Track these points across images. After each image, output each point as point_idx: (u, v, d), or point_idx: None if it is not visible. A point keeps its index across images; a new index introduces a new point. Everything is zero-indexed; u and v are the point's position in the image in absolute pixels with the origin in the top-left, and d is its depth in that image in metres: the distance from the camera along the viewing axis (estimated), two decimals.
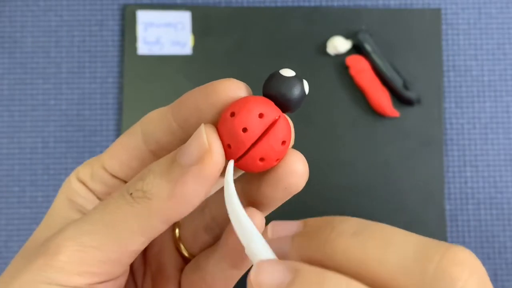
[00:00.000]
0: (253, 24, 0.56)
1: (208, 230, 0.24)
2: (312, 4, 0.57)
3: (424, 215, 0.54)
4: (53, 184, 0.55)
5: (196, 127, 0.20)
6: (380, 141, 0.55)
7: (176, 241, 0.24)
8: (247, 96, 0.20)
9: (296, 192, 0.21)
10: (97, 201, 0.22)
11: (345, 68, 0.56)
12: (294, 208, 0.54)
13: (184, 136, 0.21)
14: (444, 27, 0.57)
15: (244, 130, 0.19)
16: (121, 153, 0.22)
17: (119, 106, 0.56)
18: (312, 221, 0.19)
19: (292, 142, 0.22)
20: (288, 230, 0.19)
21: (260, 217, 0.21)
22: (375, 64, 0.55)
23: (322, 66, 0.56)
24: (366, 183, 0.54)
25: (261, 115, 0.19)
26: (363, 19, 0.57)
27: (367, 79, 0.55)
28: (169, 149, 0.21)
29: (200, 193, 0.19)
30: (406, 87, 0.55)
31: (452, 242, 0.54)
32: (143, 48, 0.56)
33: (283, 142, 0.20)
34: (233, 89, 0.20)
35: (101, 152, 0.55)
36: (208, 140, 0.19)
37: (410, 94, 0.55)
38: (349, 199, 0.54)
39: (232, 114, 0.19)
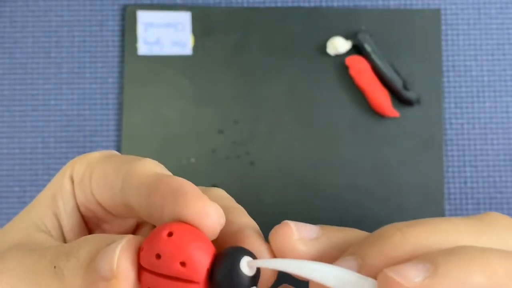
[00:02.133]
0: (253, 24, 0.56)
1: None
2: (312, 4, 0.57)
3: (424, 215, 0.54)
4: None
5: (158, 219, 0.19)
6: (380, 141, 0.55)
7: None
8: (202, 237, 0.18)
9: None
10: (72, 213, 0.22)
11: (345, 68, 0.56)
12: (295, 208, 0.54)
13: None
14: (443, 27, 0.57)
15: (158, 256, 0.17)
16: (102, 183, 0.21)
17: (119, 106, 0.56)
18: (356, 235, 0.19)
19: None
20: (311, 233, 0.19)
21: None
22: (375, 65, 0.55)
23: (322, 66, 0.56)
24: (366, 183, 0.54)
25: (183, 264, 0.17)
26: (363, 20, 0.57)
27: (367, 80, 0.55)
28: (140, 216, 0.20)
29: None
30: (405, 87, 0.55)
31: None
32: (143, 48, 0.56)
33: None
34: (204, 213, 0.18)
35: None
36: (118, 267, 0.17)
37: (410, 94, 0.55)
38: (349, 199, 0.54)
39: (170, 234, 0.17)
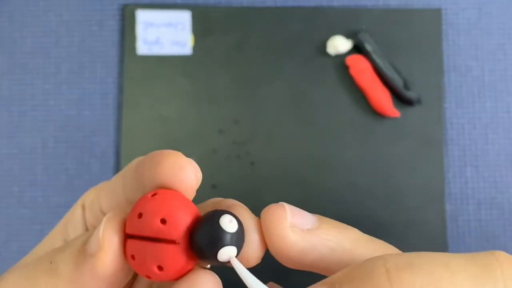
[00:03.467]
0: (253, 24, 0.56)
1: None
2: (312, 4, 0.57)
3: (424, 215, 0.54)
4: (52, 184, 0.55)
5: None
6: (380, 141, 0.55)
7: None
8: (185, 199, 0.18)
9: None
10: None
11: (345, 68, 0.55)
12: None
13: None
14: (444, 27, 0.57)
15: (140, 215, 0.17)
16: (108, 193, 0.22)
17: (119, 106, 0.56)
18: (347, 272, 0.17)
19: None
20: (305, 223, 0.18)
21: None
22: (376, 64, 0.55)
23: (322, 66, 0.56)
24: (366, 183, 0.54)
25: (164, 221, 0.17)
26: (363, 19, 0.56)
27: (367, 79, 0.55)
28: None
29: (95, 286, 0.18)
30: (406, 87, 0.55)
31: (452, 242, 0.54)
32: (143, 48, 0.56)
33: (159, 268, 0.17)
34: (178, 166, 0.18)
35: (100, 152, 0.55)
36: (103, 237, 0.18)
37: (411, 94, 0.55)
38: (349, 199, 0.54)
39: (153, 195, 0.18)
